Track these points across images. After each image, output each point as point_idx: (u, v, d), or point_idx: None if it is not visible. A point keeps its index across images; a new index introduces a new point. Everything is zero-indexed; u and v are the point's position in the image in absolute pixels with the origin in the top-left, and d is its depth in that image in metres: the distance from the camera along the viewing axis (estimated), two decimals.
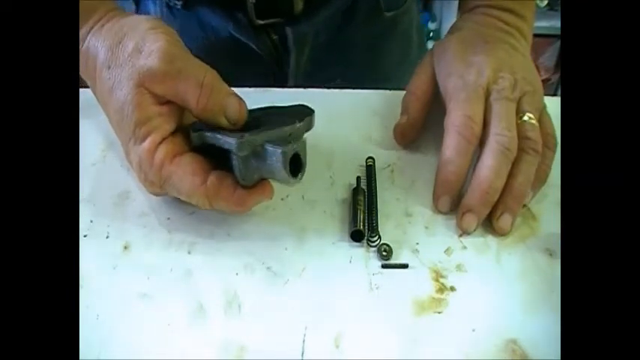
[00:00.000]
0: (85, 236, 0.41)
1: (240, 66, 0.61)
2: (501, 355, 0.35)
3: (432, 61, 0.49)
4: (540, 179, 0.43)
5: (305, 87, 0.55)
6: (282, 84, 0.62)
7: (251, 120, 0.39)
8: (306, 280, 0.39)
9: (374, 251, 0.40)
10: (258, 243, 0.41)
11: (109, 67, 0.39)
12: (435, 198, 0.43)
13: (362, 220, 0.41)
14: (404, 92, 0.50)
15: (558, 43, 1.89)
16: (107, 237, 0.41)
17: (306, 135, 0.39)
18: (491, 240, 0.41)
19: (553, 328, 0.35)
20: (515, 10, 0.50)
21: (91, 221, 0.42)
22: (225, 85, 0.39)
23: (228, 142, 0.37)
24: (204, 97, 0.38)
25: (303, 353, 0.35)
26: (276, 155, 0.36)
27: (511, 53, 0.47)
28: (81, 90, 0.51)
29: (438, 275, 0.39)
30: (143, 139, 0.38)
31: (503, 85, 0.44)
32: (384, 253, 0.40)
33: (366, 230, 0.41)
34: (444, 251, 0.41)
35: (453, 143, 0.43)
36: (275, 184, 0.40)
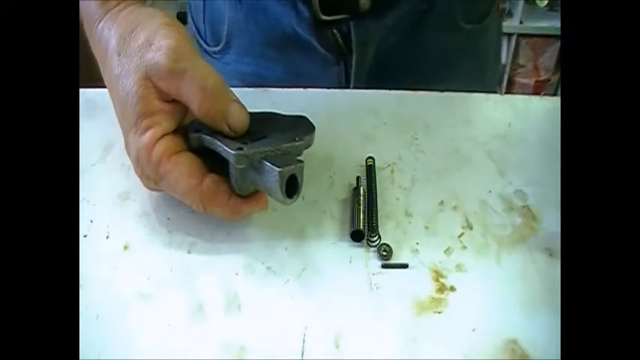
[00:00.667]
0: (85, 236, 0.41)
1: (304, 61, 0.60)
2: (501, 355, 0.35)
3: None
4: None
5: (301, 85, 0.55)
6: (345, 85, 0.61)
7: (252, 126, 0.39)
8: (306, 280, 0.39)
9: (374, 251, 0.40)
10: (258, 243, 0.41)
11: (119, 55, 0.39)
12: None
13: (362, 220, 0.41)
14: (404, 92, 0.50)
15: (558, 43, 1.90)
16: (107, 237, 0.41)
17: (306, 152, 0.39)
18: (491, 240, 0.41)
19: (553, 328, 0.35)
20: None
21: (91, 221, 0.42)
22: (229, 92, 0.39)
23: (227, 152, 0.37)
24: (207, 101, 0.37)
25: (303, 353, 0.35)
26: (273, 174, 0.36)
27: None
28: (81, 90, 0.51)
29: (438, 275, 0.39)
30: (143, 132, 0.38)
31: None
32: (384, 253, 0.40)
33: (366, 230, 0.41)
34: (444, 251, 0.41)
35: None
36: None
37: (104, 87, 0.42)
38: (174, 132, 0.39)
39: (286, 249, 0.41)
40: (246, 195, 0.39)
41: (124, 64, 0.39)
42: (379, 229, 0.41)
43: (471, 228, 0.42)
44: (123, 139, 0.40)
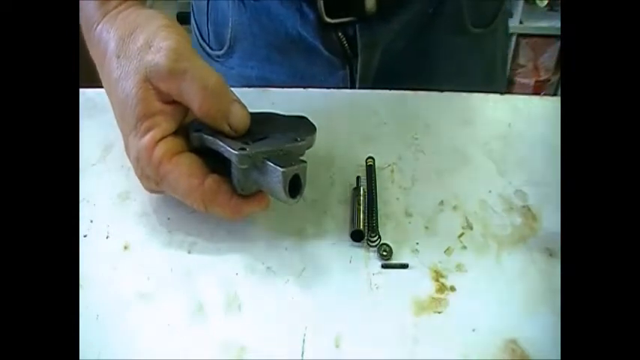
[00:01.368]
0: (85, 236, 0.41)
1: (309, 65, 0.59)
2: (501, 355, 0.35)
3: None
4: None
5: (303, 87, 0.55)
6: (352, 88, 0.60)
7: (252, 126, 0.39)
8: (306, 280, 0.39)
9: (374, 251, 0.40)
10: (258, 243, 0.41)
11: (119, 57, 0.39)
12: None
13: (362, 220, 0.41)
14: (404, 92, 0.49)
15: (558, 43, 1.90)
16: (107, 237, 0.41)
17: (306, 152, 0.39)
18: (491, 240, 0.41)
19: (553, 328, 0.35)
20: None
21: (91, 221, 0.42)
22: (230, 92, 0.39)
23: (229, 152, 0.37)
24: (208, 101, 0.37)
25: (303, 353, 0.35)
26: (276, 174, 0.36)
27: None
28: (81, 90, 0.51)
29: (438, 275, 0.39)
30: (143, 134, 0.38)
31: None
32: (384, 253, 0.40)
33: (366, 230, 0.41)
34: (444, 251, 0.41)
35: None
36: None
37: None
38: (175, 133, 0.39)
39: (286, 249, 0.41)
40: (248, 195, 0.39)
41: (123, 66, 0.39)
42: (379, 229, 0.41)
43: (471, 228, 0.42)
44: (122, 140, 0.40)
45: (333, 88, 0.55)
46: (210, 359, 0.35)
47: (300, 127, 0.41)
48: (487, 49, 0.66)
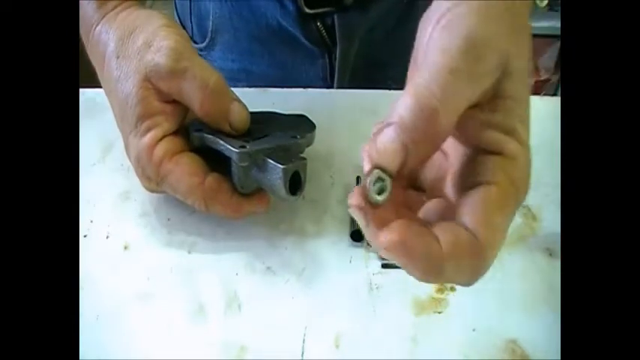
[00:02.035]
0: (85, 236, 0.41)
1: (289, 55, 0.60)
2: (501, 355, 0.35)
3: None
4: None
5: (305, 87, 0.55)
6: (330, 78, 0.61)
7: (253, 125, 0.39)
8: (306, 280, 0.39)
9: (374, 251, 0.40)
10: (258, 243, 0.41)
11: (118, 57, 0.39)
12: None
13: None
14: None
15: (558, 43, 1.89)
16: (107, 237, 0.41)
17: (306, 152, 0.39)
18: None
19: (553, 328, 0.35)
20: None
21: (91, 221, 0.42)
22: (230, 91, 0.39)
23: (230, 150, 0.37)
24: (209, 100, 0.37)
25: (303, 353, 0.35)
26: (276, 171, 0.36)
27: None
28: (81, 90, 0.51)
29: None
30: (144, 134, 0.38)
31: None
32: None
33: None
34: None
35: None
36: None
37: None
38: (175, 133, 0.39)
39: (286, 249, 0.41)
40: (249, 193, 0.39)
41: (122, 66, 0.39)
42: None
43: None
44: (122, 140, 0.40)
45: (314, 77, 0.56)
46: (210, 359, 0.35)
47: (300, 125, 0.41)
48: None
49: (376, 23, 0.59)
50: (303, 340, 0.35)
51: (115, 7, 0.41)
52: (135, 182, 0.41)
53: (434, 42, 0.28)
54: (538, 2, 1.83)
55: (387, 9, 0.58)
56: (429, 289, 0.38)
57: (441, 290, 0.38)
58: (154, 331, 0.36)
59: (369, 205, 0.26)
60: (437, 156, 0.31)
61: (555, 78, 2.01)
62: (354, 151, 0.48)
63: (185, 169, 0.38)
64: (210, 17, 0.62)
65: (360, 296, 0.38)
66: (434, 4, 0.29)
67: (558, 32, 1.85)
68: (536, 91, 1.99)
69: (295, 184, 0.37)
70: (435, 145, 0.26)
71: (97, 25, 0.41)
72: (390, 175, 0.25)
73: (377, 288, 0.38)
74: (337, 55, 0.59)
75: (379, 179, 0.25)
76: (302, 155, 0.38)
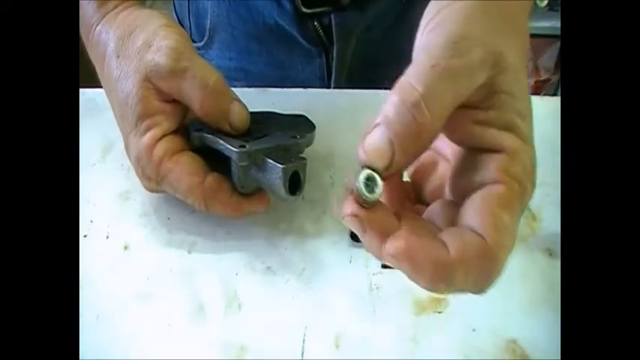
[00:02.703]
0: (85, 236, 0.41)
1: (287, 54, 0.60)
2: (501, 355, 0.35)
3: None
4: None
5: (304, 87, 0.55)
6: (327, 77, 0.61)
7: (252, 125, 0.40)
8: (306, 280, 0.39)
9: None
10: (258, 243, 0.41)
11: (118, 57, 0.39)
12: None
13: None
14: None
15: (558, 43, 1.89)
16: (107, 237, 0.41)
17: (306, 152, 0.39)
18: None
19: (553, 328, 0.35)
20: None
21: (91, 221, 0.42)
22: (230, 91, 0.39)
23: (229, 150, 0.37)
24: (208, 100, 0.37)
25: (303, 353, 0.35)
26: (276, 171, 0.36)
27: None
28: (81, 90, 0.51)
29: None
30: (144, 133, 0.38)
31: None
32: None
33: None
34: None
35: None
36: None
37: None
38: (175, 132, 0.39)
39: (286, 249, 0.41)
40: (248, 193, 0.39)
41: (122, 66, 0.39)
42: None
43: None
44: (122, 140, 0.40)
45: (311, 76, 0.55)
46: (210, 359, 0.35)
47: (300, 125, 0.41)
48: None
49: (373, 23, 0.59)
50: (303, 340, 0.35)
51: (115, 6, 0.41)
52: (135, 182, 0.41)
53: (421, 43, 0.28)
54: (538, 2, 1.82)
55: (384, 8, 0.58)
56: None
57: None
58: (154, 331, 0.36)
59: (363, 208, 0.25)
60: (441, 166, 0.31)
61: (555, 78, 2.01)
62: (354, 151, 0.48)
63: (185, 169, 0.38)
64: (208, 16, 0.62)
65: (360, 296, 0.38)
66: (428, 7, 0.30)
67: (558, 32, 1.84)
68: (536, 91, 1.99)
69: (295, 184, 0.37)
70: (423, 142, 0.26)
71: (97, 25, 0.41)
72: (380, 174, 0.25)
73: (377, 288, 0.38)
74: (334, 55, 0.60)
75: (369, 178, 0.25)
76: (301, 155, 0.38)
